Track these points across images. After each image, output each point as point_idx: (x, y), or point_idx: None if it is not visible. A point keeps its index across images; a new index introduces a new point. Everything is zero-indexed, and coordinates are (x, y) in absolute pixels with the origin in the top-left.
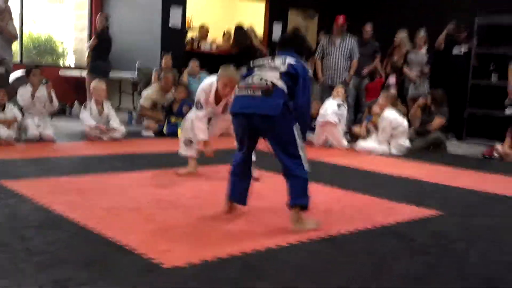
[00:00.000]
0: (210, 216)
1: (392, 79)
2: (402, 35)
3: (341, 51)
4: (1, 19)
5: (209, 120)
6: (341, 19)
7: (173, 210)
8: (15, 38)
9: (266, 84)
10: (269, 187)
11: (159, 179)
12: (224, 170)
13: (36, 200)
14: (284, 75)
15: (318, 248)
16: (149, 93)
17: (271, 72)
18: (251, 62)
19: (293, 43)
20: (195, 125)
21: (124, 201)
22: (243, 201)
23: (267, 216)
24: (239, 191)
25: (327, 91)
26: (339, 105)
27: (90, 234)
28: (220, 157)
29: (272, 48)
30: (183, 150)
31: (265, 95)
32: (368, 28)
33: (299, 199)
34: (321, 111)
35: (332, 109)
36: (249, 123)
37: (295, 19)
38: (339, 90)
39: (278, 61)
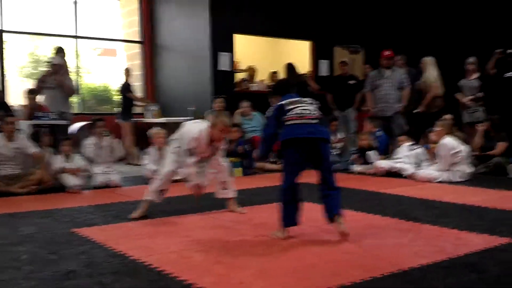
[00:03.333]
0: (276, 254)
1: None
2: (426, 60)
3: (391, 82)
4: (61, 75)
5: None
6: (387, 52)
7: (239, 250)
8: (73, 92)
9: (315, 114)
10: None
11: (221, 220)
12: (269, 208)
13: (109, 246)
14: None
15: (391, 283)
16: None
17: (311, 106)
18: (287, 101)
19: (296, 87)
20: (188, 171)
21: (192, 244)
22: (296, 223)
23: (323, 251)
24: (294, 216)
25: (381, 122)
26: (411, 148)
27: (166, 279)
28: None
29: (320, 84)
30: (150, 196)
31: (318, 123)
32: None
33: (340, 208)
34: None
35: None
36: (311, 147)
37: (341, 54)
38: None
39: (307, 99)
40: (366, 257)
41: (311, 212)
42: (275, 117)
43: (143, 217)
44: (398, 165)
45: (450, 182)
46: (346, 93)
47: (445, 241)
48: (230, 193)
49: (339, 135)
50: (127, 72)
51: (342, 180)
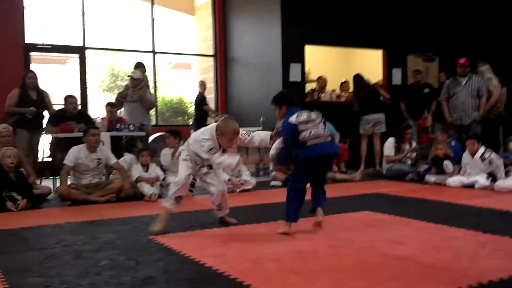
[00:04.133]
0: (351, 265)
1: None
2: (482, 68)
3: (468, 90)
4: (140, 88)
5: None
6: (463, 60)
7: (313, 260)
8: (153, 105)
9: (327, 133)
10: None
11: (293, 229)
12: (343, 217)
13: (185, 254)
14: None
15: None
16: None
17: (321, 123)
18: (299, 121)
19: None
20: (226, 161)
21: (265, 252)
22: (297, 219)
23: (398, 264)
24: (298, 213)
25: (456, 132)
26: (483, 157)
27: (241, 287)
28: (337, 206)
29: (393, 93)
30: (168, 203)
31: (331, 141)
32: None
33: (324, 203)
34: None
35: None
36: (326, 161)
37: (415, 62)
38: (472, 143)
39: (314, 115)
40: (443, 270)
41: (387, 224)
42: (291, 135)
43: (216, 225)
44: (470, 180)
45: None
46: (420, 101)
47: None
48: (224, 212)
49: (413, 145)
50: (202, 84)
51: (416, 191)
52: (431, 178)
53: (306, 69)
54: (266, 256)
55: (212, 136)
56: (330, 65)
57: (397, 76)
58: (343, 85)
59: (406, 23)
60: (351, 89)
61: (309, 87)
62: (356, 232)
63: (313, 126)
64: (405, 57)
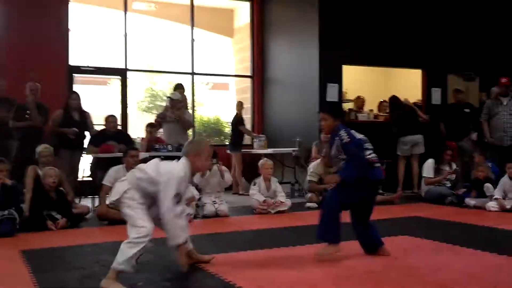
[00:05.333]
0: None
1: None
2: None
3: (509, 110)
4: (178, 109)
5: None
6: (504, 79)
7: (348, 285)
8: (191, 126)
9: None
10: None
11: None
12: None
13: (221, 276)
14: None
15: None
16: (315, 170)
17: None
18: (362, 138)
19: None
20: (176, 223)
21: (301, 276)
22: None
23: None
24: (340, 234)
25: (494, 153)
26: None
27: None
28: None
29: (431, 112)
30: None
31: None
32: None
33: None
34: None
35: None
36: (376, 186)
37: (455, 82)
38: None
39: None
40: None
41: (426, 250)
42: (361, 151)
43: (252, 247)
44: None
45: None
46: (460, 121)
47: None
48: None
49: (453, 166)
50: (240, 105)
51: (456, 215)
52: (471, 201)
53: (344, 89)
54: (303, 280)
55: (184, 173)
56: (368, 85)
57: (436, 95)
58: (381, 105)
59: (445, 43)
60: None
61: (346, 107)
62: (394, 257)
63: (370, 147)
64: (444, 76)
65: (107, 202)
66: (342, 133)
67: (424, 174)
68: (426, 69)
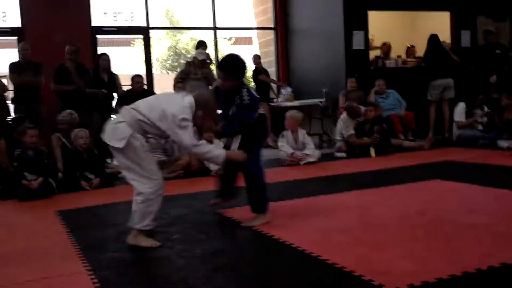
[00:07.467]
0: (420, 235)
1: None
2: None
3: None
4: (206, 68)
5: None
6: None
7: (383, 231)
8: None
9: None
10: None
11: (361, 200)
12: (415, 190)
13: (253, 226)
14: None
15: None
16: (348, 123)
17: None
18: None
19: None
20: (208, 148)
21: (332, 223)
22: None
23: (471, 233)
24: None
25: None
26: None
27: (309, 258)
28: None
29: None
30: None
31: None
32: None
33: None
34: None
35: None
36: None
37: (485, 23)
38: None
39: None
40: None
41: (459, 192)
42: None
43: (282, 198)
44: None
45: None
46: (491, 63)
47: None
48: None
49: (485, 109)
50: (256, 58)
51: (489, 157)
52: (504, 143)
53: (370, 36)
54: (334, 228)
55: (190, 116)
56: (395, 31)
57: (466, 38)
58: (409, 50)
59: None
60: (417, 54)
61: (373, 54)
62: (427, 201)
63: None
64: (474, 18)
65: None
66: (244, 93)
67: (456, 117)
68: (454, 11)
